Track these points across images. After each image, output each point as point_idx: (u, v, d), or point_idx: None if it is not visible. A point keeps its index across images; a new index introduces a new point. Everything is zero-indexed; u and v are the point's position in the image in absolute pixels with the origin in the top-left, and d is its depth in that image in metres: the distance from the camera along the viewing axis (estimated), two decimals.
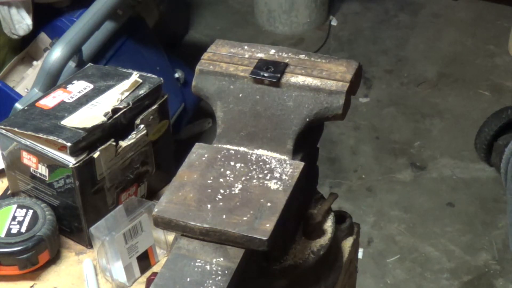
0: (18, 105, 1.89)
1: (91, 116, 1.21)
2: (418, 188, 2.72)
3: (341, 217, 1.19)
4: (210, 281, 0.89)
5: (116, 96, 1.25)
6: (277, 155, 1.02)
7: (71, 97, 1.26)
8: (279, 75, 1.03)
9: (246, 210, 0.93)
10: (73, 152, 1.17)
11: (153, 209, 0.95)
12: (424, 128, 2.96)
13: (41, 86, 1.93)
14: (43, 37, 2.26)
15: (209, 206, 0.94)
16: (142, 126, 1.26)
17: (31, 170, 1.23)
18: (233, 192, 0.95)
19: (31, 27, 2.09)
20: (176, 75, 2.63)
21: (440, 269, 2.44)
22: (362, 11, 3.61)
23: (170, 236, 1.21)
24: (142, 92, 1.27)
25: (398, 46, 3.37)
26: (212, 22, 3.56)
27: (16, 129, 1.21)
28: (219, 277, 0.89)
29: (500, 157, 2.48)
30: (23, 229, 1.20)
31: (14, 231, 1.20)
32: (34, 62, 2.26)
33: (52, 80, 1.92)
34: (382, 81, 3.19)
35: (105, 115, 1.21)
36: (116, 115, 1.23)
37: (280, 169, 0.98)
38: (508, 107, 2.73)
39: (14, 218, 1.22)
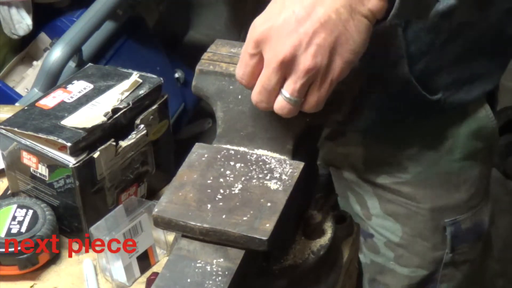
0: (18, 105, 1.89)
1: (91, 116, 1.21)
2: None
3: (341, 217, 1.19)
4: (211, 282, 0.89)
5: (116, 96, 1.25)
6: (277, 155, 1.02)
7: (71, 97, 1.26)
8: None
9: (246, 210, 0.93)
10: (73, 152, 1.17)
11: (153, 209, 0.95)
12: None
13: (41, 86, 1.93)
14: (43, 37, 2.26)
15: (209, 206, 0.94)
16: (142, 126, 1.26)
17: (31, 170, 1.23)
18: (233, 192, 0.95)
19: (31, 27, 2.09)
20: (176, 75, 2.62)
21: None
22: None
23: (170, 236, 1.21)
24: (142, 92, 1.27)
25: None
26: (212, 22, 3.56)
27: (16, 129, 1.21)
28: (220, 278, 0.89)
29: (501, 157, 2.47)
30: (23, 229, 1.20)
31: (14, 231, 1.20)
32: (34, 62, 2.25)
33: (52, 80, 1.92)
34: None
35: (105, 115, 1.21)
36: (116, 115, 1.23)
37: (280, 169, 0.98)
38: (508, 107, 2.72)
39: (14, 218, 1.22)
